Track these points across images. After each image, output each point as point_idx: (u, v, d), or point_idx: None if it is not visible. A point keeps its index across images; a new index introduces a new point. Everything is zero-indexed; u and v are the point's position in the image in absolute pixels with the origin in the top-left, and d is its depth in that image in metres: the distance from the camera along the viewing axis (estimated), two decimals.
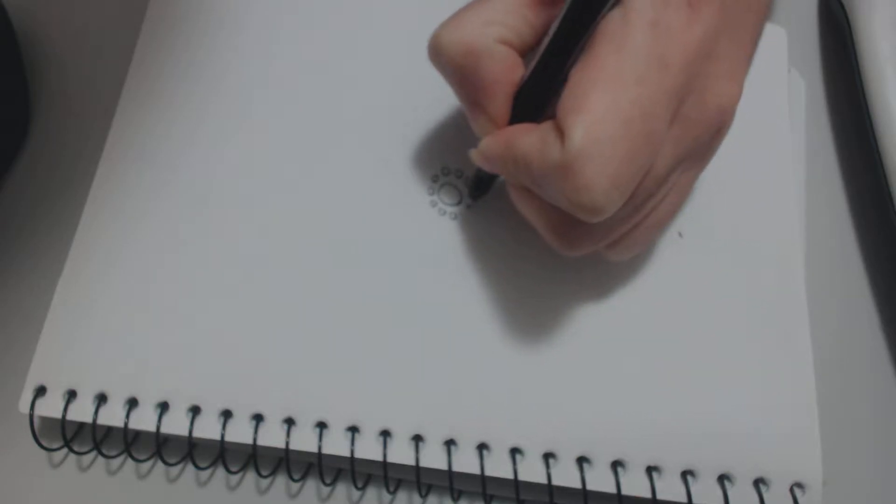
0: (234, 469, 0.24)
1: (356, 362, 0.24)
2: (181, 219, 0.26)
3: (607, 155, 0.17)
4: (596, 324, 0.25)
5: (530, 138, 0.19)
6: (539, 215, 0.21)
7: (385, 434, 0.23)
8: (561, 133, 0.18)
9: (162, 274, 0.25)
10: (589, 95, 0.17)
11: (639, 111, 0.17)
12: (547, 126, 0.19)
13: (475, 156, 0.22)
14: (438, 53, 0.20)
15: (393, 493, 0.25)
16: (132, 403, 0.23)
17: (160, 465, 0.25)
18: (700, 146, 0.20)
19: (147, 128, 0.27)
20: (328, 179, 0.27)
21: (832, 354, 0.27)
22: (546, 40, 0.19)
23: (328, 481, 0.25)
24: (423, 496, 0.24)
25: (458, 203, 0.26)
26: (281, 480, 0.25)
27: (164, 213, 0.26)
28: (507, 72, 0.20)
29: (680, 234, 0.26)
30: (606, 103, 0.17)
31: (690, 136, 0.20)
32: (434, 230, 0.26)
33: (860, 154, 0.31)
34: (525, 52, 0.20)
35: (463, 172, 0.27)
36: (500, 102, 0.20)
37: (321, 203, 0.26)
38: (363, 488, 0.25)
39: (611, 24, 0.18)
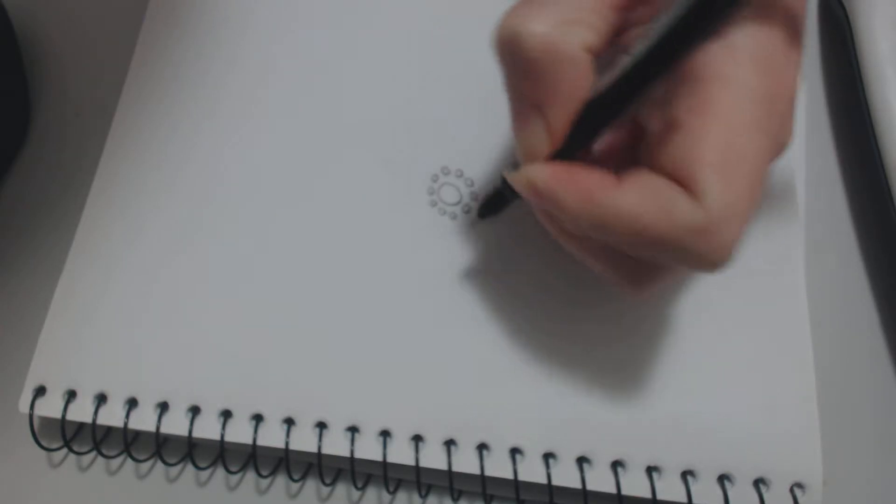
0: (233, 469, 0.24)
1: (356, 362, 0.24)
2: (181, 218, 0.26)
3: (743, 211, 0.16)
4: (595, 324, 0.25)
5: (636, 197, 0.17)
6: (611, 265, 0.20)
7: (385, 434, 0.23)
8: (688, 189, 0.16)
9: (162, 274, 0.25)
10: (719, 148, 0.16)
11: (761, 161, 0.17)
12: (660, 183, 0.17)
13: (524, 186, 0.19)
14: (514, 44, 0.17)
15: (393, 493, 0.25)
16: (132, 403, 0.24)
17: (160, 465, 0.25)
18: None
19: (147, 128, 0.27)
20: (328, 180, 0.27)
21: (832, 354, 0.27)
22: (629, 61, 0.17)
23: (328, 481, 0.25)
24: (423, 496, 0.24)
25: (458, 203, 0.26)
26: (281, 480, 0.25)
27: (164, 212, 0.26)
28: (583, 82, 0.18)
29: None
30: (737, 156, 0.16)
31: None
32: (434, 230, 0.26)
33: (860, 154, 0.31)
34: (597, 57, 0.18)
35: (463, 172, 0.27)
36: (565, 114, 0.18)
37: (321, 203, 0.26)
38: (363, 488, 0.25)
39: (716, 60, 0.17)
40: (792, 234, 0.26)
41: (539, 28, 0.17)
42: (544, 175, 0.18)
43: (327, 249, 0.26)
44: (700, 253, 0.17)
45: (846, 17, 0.31)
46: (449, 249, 0.26)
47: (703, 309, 0.25)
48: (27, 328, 0.25)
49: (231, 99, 0.28)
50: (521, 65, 0.18)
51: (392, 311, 0.25)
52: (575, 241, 0.20)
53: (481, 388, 0.24)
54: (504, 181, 0.20)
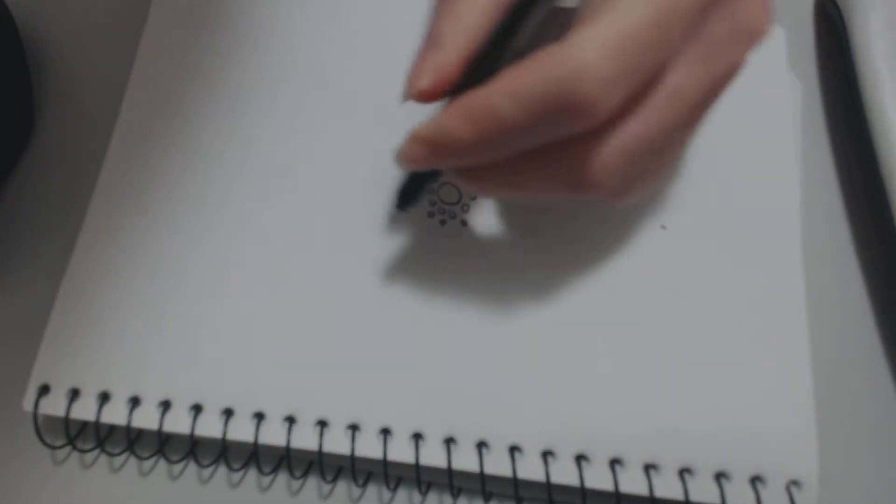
0: (235, 467, 0.25)
1: (356, 361, 0.24)
2: (183, 219, 0.26)
3: (615, 49, 0.16)
4: (593, 322, 0.25)
5: (506, 78, 0.17)
6: (545, 183, 0.19)
7: (385, 432, 0.23)
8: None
9: (164, 273, 0.25)
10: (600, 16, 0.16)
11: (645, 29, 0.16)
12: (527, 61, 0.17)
13: (415, 145, 0.19)
14: None
15: (393, 490, 0.25)
16: (135, 402, 0.24)
17: (163, 462, 0.25)
18: (725, 69, 0.19)
19: (151, 129, 0.27)
20: (328, 179, 0.27)
21: (829, 353, 0.27)
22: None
23: (329, 479, 0.25)
24: (423, 494, 0.25)
25: (458, 203, 0.27)
26: (282, 478, 0.25)
27: (167, 212, 0.26)
28: (480, 20, 0.19)
29: (663, 227, 0.26)
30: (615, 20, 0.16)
31: (717, 55, 0.18)
32: (434, 229, 0.26)
33: (856, 155, 0.31)
34: None
35: None
36: (459, 51, 0.19)
37: (320, 202, 0.26)
38: (364, 486, 0.25)
39: None
40: (790, 233, 0.27)
41: None
42: (425, 129, 0.19)
43: (327, 248, 0.26)
44: (576, 93, 0.16)
45: (841, 18, 0.31)
46: (449, 249, 0.26)
47: (700, 308, 0.25)
48: (31, 327, 0.25)
49: (234, 99, 0.28)
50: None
51: (393, 310, 0.25)
52: (501, 184, 0.20)
53: (480, 386, 0.24)
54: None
